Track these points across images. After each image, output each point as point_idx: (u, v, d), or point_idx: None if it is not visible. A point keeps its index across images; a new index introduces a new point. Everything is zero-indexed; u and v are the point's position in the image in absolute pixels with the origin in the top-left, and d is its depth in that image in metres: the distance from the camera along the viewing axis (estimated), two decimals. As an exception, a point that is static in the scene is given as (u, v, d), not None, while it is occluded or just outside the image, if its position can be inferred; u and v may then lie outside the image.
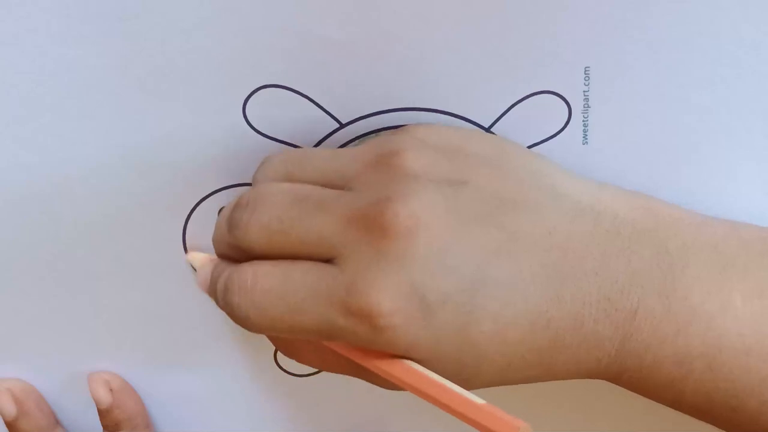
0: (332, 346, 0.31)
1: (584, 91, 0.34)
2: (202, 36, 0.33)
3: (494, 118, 0.35)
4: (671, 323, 0.31)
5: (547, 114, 0.35)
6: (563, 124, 0.35)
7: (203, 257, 0.34)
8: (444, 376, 0.29)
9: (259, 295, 0.30)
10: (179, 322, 0.39)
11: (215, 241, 0.33)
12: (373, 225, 0.29)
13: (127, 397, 0.40)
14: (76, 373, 0.40)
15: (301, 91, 0.34)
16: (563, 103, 0.35)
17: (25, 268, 0.38)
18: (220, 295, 0.32)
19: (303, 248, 0.30)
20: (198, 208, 0.37)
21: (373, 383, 0.33)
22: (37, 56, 0.34)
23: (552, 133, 0.35)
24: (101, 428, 0.41)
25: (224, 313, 0.32)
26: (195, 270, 0.35)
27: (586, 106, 0.35)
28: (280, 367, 0.40)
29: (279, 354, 0.40)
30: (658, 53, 0.34)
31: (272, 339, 0.35)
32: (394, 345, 0.29)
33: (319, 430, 0.42)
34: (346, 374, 0.33)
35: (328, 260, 0.30)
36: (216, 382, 0.41)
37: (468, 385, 0.29)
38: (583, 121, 0.35)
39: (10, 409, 0.40)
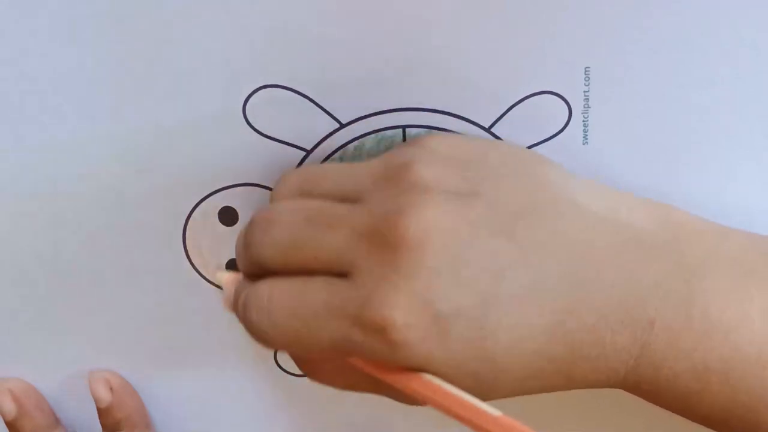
0: (352, 361, 0.31)
1: (584, 92, 0.34)
2: (202, 36, 0.33)
3: (494, 119, 0.35)
4: (689, 335, 0.31)
5: (547, 114, 0.35)
6: (563, 125, 0.35)
7: (228, 276, 0.34)
8: (462, 389, 0.29)
9: (275, 312, 0.30)
10: (179, 322, 0.39)
11: (237, 259, 0.33)
12: (384, 239, 0.29)
13: (127, 397, 0.40)
14: (76, 373, 0.40)
15: (301, 91, 0.34)
16: (563, 103, 0.35)
17: (25, 268, 0.38)
18: (240, 312, 0.32)
19: (317, 264, 0.30)
20: (198, 208, 0.37)
21: (397, 400, 0.33)
22: (37, 56, 0.34)
23: (552, 134, 0.35)
24: (101, 428, 0.41)
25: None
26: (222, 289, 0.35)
27: (586, 106, 0.35)
28: (280, 367, 0.40)
29: (279, 354, 0.40)
30: (658, 53, 0.34)
31: (294, 359, 0.35)
32: (409, 359, 0.29)
33: (319, 431, 0.42)
34: (370, 392, 0.33)
35: (342, 274, 0.30)
36: (216, 382, 0.41)
37: (487, 397, 0.29)
38: (583, 121, 0.35)
39: (11, 409, 0.40)
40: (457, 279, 0.29)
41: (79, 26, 0.33)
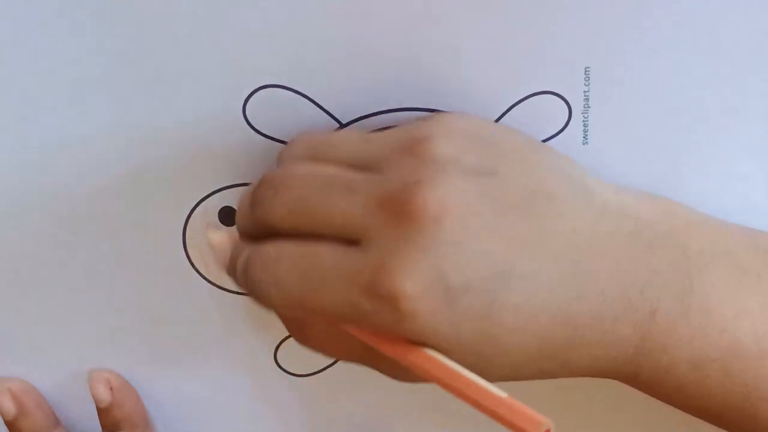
0: (351, 330, 0.30)
1: (584, 91, 0.34)
2: (202, 36, 0.33)
3: (494, 119, 0.35)
4: (688, 326, 0.31)
5: (547, 114, 0.35)
6: (563, 125, 0.35)
7: (222, 234, 0.34)
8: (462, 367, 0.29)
9: (282, 273, 0.30)
10: (179, 321, 0.39)
11: (238, 219, 0.33)
12: (402, 209, 0.29)
13: (127, 396, 0.40)
14: (76, 373, 0.40)
15: (301, 91, 0.34)
16: (563, 103, 0.35)
17: (25, 268, 0.38)
18: (240, 272, 0.31)
19: (328, 229, 0.30)
20: (198, 208, 0.37)
21: (384, 373, 0.32)
22: (37, 55, 0.34)
23: (552, 133, 0.35)
24: (101, 428, 0.41)
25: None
26: (213, 248, 0.35)
27: (586, 106, 0.35)
28: (280, 367, 0.40)
29: (279, 354, 0.40)
30: (658, 53, 0.34)
31: (285, 321, 0.34)
32: (416, 331, 0.29)
33: (319, 431, 0.42)
34: (358, 362, 0.33)
35: (352, 242, 0.30)
36: (216, 382, 0.41)
37: (482, 376, 0.29)
38: (583, 121, 0.35)
39: (10, 409, 0.40)
40: (471, 254, 0.29)
41: (79, 26, 0.33)
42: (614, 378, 0.32)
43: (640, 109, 0.35)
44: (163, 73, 0.34)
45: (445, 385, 0.29)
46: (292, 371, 0.40)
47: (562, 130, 0.35)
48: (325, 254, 0.30)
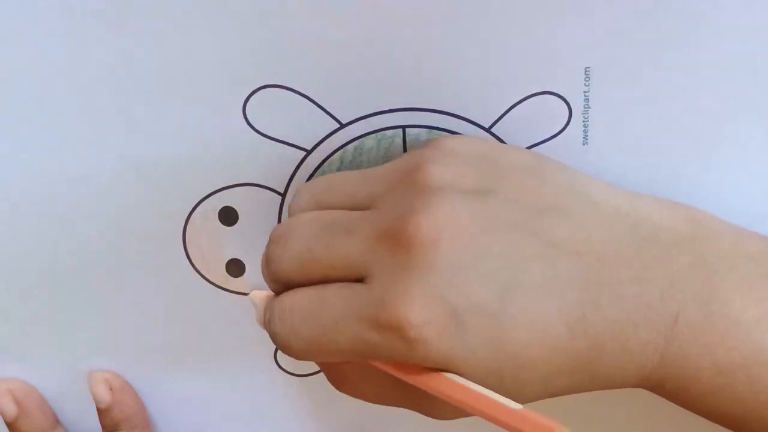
0: (376, 364, 0.31)
1: (584, 92, 0.34)
2: (202, 36, 0.33)
3: (494, 119, 0.35)
4: (711, 332, 0.31)
5: (547, 114, 0.35)
6: (563, 125, 0.35)
7: (261, 294, 0.35)
8: (487, 389, 0.29)
9: (297, 322, 0.31)
10: (179, 321, 0.39)
11: (264, 279, 0.34)
12: (398, 239, 0.29)
13: (127, 397, 0.40)
14: (76, 373, 0.40)
15: (301, 91, 0.34)
16: (563, 103, 0.35)
17: (26, 268, 0.38)
18: (267, 327, 0.32)
19: (334, 272, 0.31)
20: (198, 208, 0.37)
21: (423, 413, 0.33)
22: (37, 56, 0.34)
23: (552, 134, 0.35)
24: (101, 428, 0.41)
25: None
26: (254, 307, 0.36)
27: (586, 106, 0.35)
28: (280, 367, 0.40)
29: (279, 354, 0.40)
30: (658, 53, 0.34)
31: (324, 370, 0.35)
32: (428, 357, 0.29)
33: (319, 431, 0.42)
34: (397, 405, 0.33)
35: (360, 280, 0.30)
36: (216, 382, 0.41)
37: (513, 398, 0.29)
38: (584, 121, 0.35)
39: (11, 410, 0.40)
40: (473, 274, 0.29)
41: (79, 26, 0.33)
42: (642, 387, 0.32)
43: (640, 109, 0.35)
44: (164, 73, 0.34)
45: (462, 405, 0.29)
46: (292, 371, 0.40)
47: (562, 131, 0.35)
48: (333, 296, 0.30)
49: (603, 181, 0.33)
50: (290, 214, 0.34)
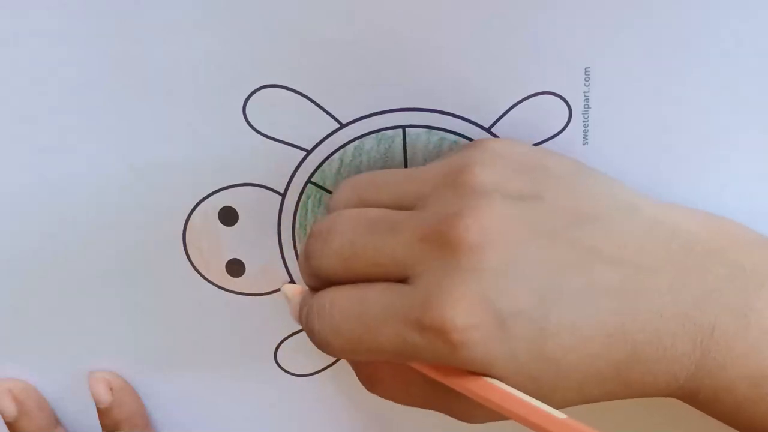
0: (415, 366, 0.31)
1: (584, 92, 0.34)
2: (202, 36, 0.33)
3: (494, 119, 0.35)
4: (746, 343, 0.30)
5: (547, 114, 0.35)
6: (563, 125, 0.35)
7: (295, 288, 0.35)
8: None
9: (337, 319, 0.31)
10: (179, 321, 0.39)
11: (300, 273, 0.34)
12: (444, 240, 0.29)
13: (127, 397, 0.40)
14: (76, 373, 0.40)
15: (301, 91, 0.34)
16: (563, 103, 0.35)
17: (26, 268, 0.38)
18: (303, 322, 0.32)
19: (377, 270, 0.30)
20: (198, 208, 0.37)
21: (454, 416, 0.32)
22: (37, 56, 0.34)
23: (552, 134, 0.35)
24: (101, 428, 0.41)
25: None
26: (287, 301, 0.36)
27: (586, 106, 0.35)
28: (280, 367, 0.40)
29: (279, 354, 0.40)
30: (658, 53, 0.34)
31: (355, 369, 0.35)
32: (470, 360, 0.29)
33: (319, 431, 0.42)
34: (428, 407, 0.33)
35: (402, 280, 0.30)
36: (216, 382, 0.41)
37: (547, 403, 0.29)
38: (584, 121, 0.35)
39: (11, 410, 0.40)
40: (518, 279, 0.29)
41: (79, 26, 0.33)
42: (676, 396, 0.32)
43: (640, 109, 0.35)
44: (164, 73, 0.34)
45: (504, 411, 0.29)
46: (292, 371, 0.40)
47: (562, 131, 0.35)
48: (377, 295, 0.30)
49: (642, 193, 0.33)
50: (331, 209, 0.33)
